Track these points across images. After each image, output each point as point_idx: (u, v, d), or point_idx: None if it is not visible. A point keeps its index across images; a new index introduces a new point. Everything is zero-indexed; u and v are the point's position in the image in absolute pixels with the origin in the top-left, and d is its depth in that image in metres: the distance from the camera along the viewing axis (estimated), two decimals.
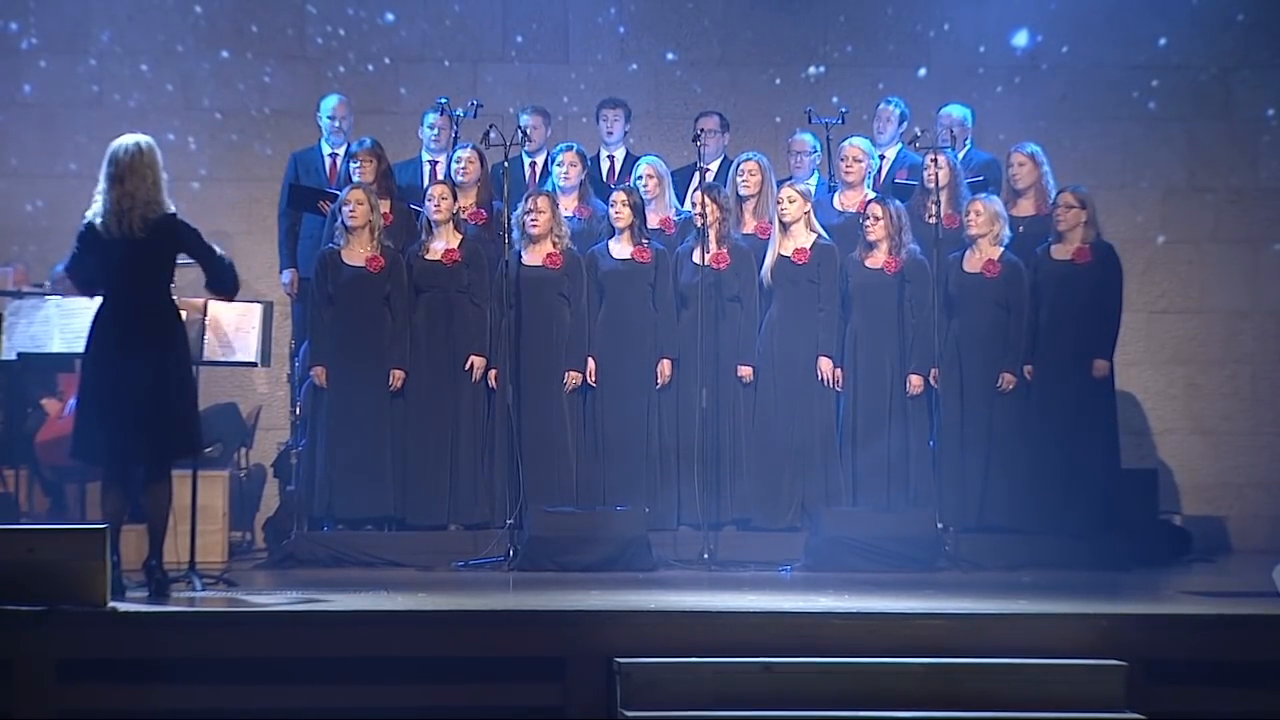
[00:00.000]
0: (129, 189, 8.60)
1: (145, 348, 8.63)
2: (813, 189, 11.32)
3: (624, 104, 12.00)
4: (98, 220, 8.65)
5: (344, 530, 10.78)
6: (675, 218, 11.28)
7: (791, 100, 12.57)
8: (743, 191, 11.17)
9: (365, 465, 10.77)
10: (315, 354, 10.87)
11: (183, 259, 8.89)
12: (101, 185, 8.66)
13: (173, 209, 8.70)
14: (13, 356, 10.12)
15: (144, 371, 8.61)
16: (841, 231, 11.14)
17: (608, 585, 9.42)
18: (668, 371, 10.91)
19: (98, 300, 8.80)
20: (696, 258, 10.84)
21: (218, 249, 8.85)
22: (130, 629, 7.94)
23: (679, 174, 11.55)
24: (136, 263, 8.64)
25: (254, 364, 10.11)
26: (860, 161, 11.31)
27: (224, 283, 8.88)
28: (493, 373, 10.82)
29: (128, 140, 8.71)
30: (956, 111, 11.74)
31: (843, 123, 11.69)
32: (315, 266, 10.95)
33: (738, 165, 11.24)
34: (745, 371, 10.94)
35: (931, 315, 10.86)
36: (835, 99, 12.31)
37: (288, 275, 11.54)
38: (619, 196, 11.00)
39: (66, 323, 10.07)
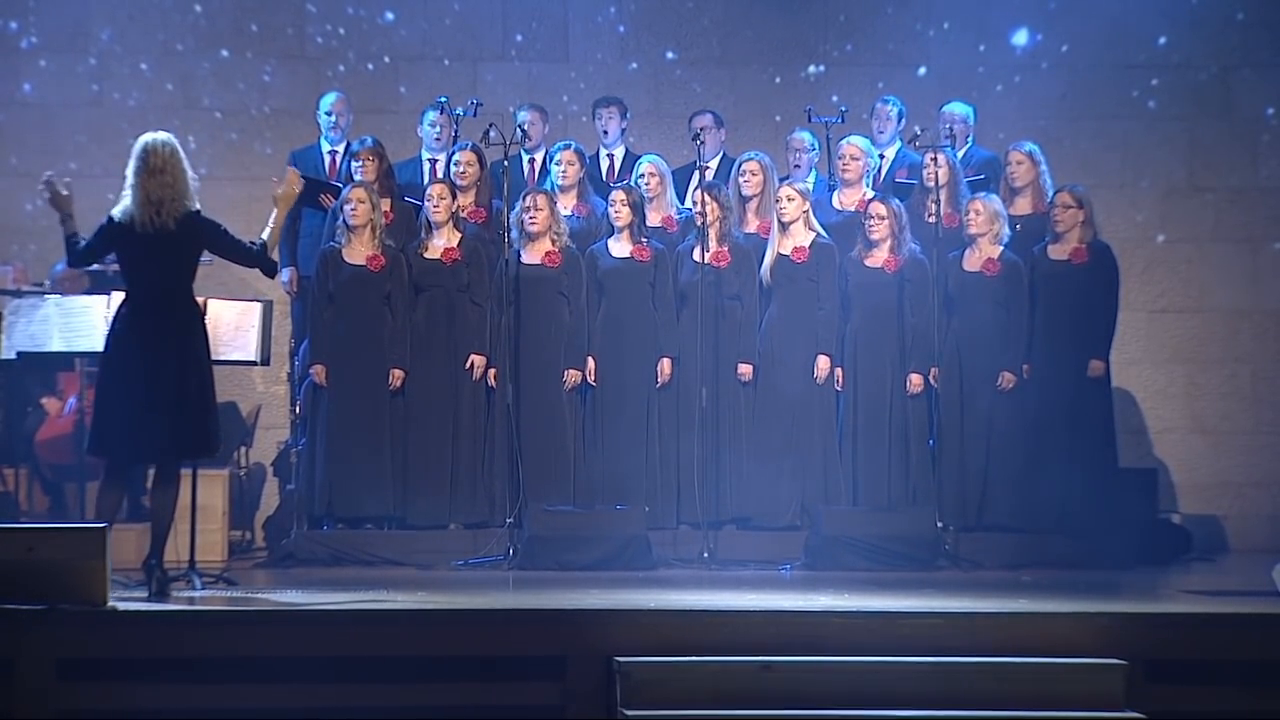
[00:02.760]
0: (168, 182, 8.64)
1: (169, 344, 8.65)
2: (811, 188, 11.32)
3: (619, 101, 11.99)
4: (129, 216, 8.65)
5: (344, 529, 10.79)
6: (676, 216, 11.29)
7: (791, 99, 12.57)
8: (745, 191, 11.17)
9: (365, 464, 10.77)
10: (315, 352, 10.88)
11: (205, 257, 8.93)
12: (131, 180, 8.67)
13: (197, 206, 8.75)
14: (12, 356, 10.13)
15: (168, 367, 8.63)
16: (840, 230, 11.15)
17: (608, 585, 9.42)
18: (668, 370, 10.91)
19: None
20: (697, 256, 10.84)
21: (244, 239, 8.90)
22: (130, 629, 7.94)
23: (679, 173, 11.55)
24: (165, 258, 8.68)
25: (254, 363, 10.12)
26: (858, 160, 11.32)
27: (264, 268, 8.97)
28: (492, 372, 10.82)
29: (160, 135, 8.75)
30: (958, 109, 11.74)
31: (843, 121, 11.70)
32: (316, 265, 10.95)
33: (739, 165, 11.25)
34: (745, 370, 10.94)
35: (931, 314, 10.87)
36: (835, 98, 12.31)
37: (287, 273, 11.54)
38: (618, 195, 11.00)
39: (66, 322, 10.07)
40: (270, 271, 9.03)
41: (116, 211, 8.70)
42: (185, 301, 8.78)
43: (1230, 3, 12.93)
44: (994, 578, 10.12)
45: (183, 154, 8.74)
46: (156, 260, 8.68)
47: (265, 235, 8.92)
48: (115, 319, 8.78)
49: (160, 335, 8.65)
